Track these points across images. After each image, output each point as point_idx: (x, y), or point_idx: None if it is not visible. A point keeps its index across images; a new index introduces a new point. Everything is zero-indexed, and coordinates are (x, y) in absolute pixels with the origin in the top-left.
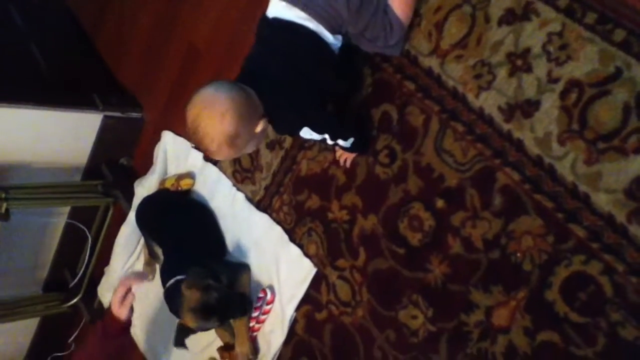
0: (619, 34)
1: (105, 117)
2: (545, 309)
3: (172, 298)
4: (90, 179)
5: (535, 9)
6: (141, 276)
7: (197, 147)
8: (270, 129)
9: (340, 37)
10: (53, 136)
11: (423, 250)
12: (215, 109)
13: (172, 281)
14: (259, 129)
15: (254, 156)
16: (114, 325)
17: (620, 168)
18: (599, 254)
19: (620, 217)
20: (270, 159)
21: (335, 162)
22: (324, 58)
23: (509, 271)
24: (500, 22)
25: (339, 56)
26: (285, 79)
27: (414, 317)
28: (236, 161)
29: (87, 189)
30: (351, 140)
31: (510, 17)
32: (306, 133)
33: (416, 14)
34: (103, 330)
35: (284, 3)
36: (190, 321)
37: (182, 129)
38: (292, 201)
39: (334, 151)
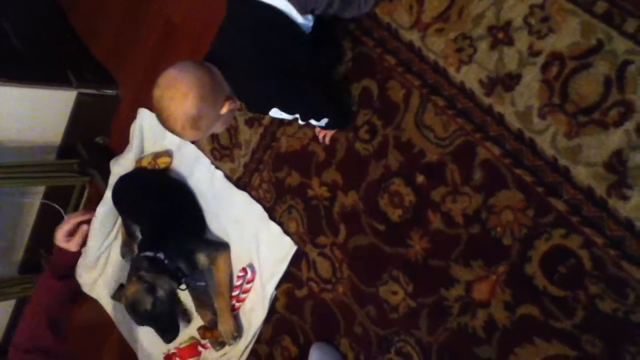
0: (601, 6)
1: (80, 94)
2: (525, 283)
3: (130, 270)
4: (65, 158)
5: None
6: (87, 211)
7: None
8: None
9: (310, 17)
10: (26, 114)
11: (403, 226)
12: (177, 90)
13: (140, 255)
14: (225, 109)
15: (233, 133)
16: (62, 260)
17: (600, 141)
18: (579, 227)
19: (600, 190)
20: (249, 136)
21: (315, 138)
22: (292, 37)
23: (489, 246)
24: None
25: (313, 34)
26: (252, 59)
27: (395, 293)
28: (214, 139)
29: (62, 167)
30: (324, 120)
31: None
32: (276, 113)
33: None
34: (51, 270)
35: None
36: (123, 301)
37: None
38: (271, 178)
39: (314, 127)
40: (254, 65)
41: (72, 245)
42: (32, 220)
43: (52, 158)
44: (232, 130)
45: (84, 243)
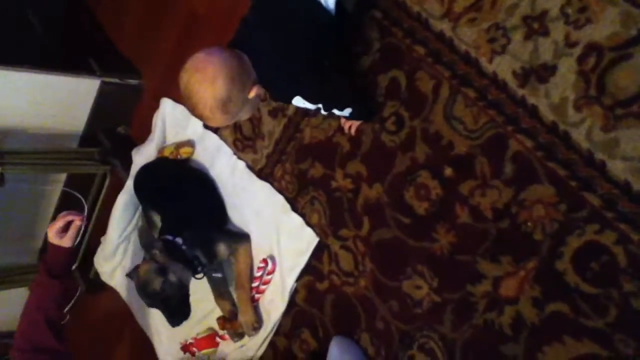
0: None
1: (103, 83)
2: (555, 280)
3: (145, 251)
4: (87, 146)
5: None
6: (78, 213)
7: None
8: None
9: None
10: (49, 101)
11: (429, 220)
12: (206, 74)
13: (161, 237)
14: (252, 93)
15: (256, 124)
16: (56, 258)
17: (638, 135)
18: (614, 223)
19: (637, 185)
20: (272, 127)
21: (340, 129)
22: (317, 21)
23: (519, 241)
24: None
25: (337, 18)
26: (276, 46)
27: (418, 288)
28: (237, 129)
29: (83, 156)
30: (348, 110)
31: None
32: (299, 102)
33: None
34: (45, 269)
35: None
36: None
37: (181, 96)
38: (294, 170)
39: (339, 119)
40: (278, 51)
41: (65, 241)
42: (52, 208)
43: (74, 146)
44: (255, 121)
45: (77, 239)
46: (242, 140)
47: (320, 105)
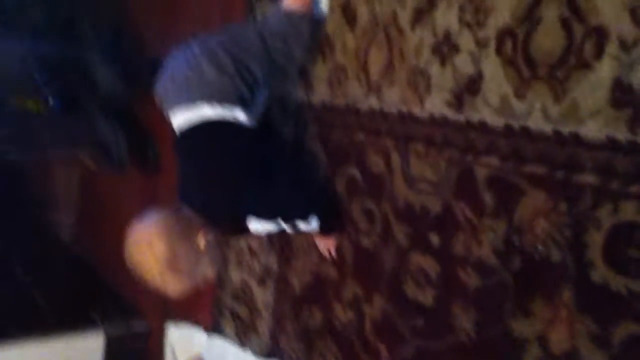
0: None
1: (107, 333)
2: (601, 296)
3: None
4: None
5: None
6: None
7: (151, 288)
8: None
9: (234, 106)
10: None
11: (441, 307)
12: (142, 240)
13: None
14: (201, 242)
15: (250, 304)
16: None
17: (591, 83)
18: (624, 190)
19: (620, 133)
20: (265, 296)
21: (322, 259)
22: (231, 137)
23: (540, 273)
24: (412, 26)
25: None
26: (204, 174)
27: None
28: (235, 316)
29: None
30: (314, 220)
31: (419, 15)
32: (257, 225)
33: (339, 67)
34: None
35: (180, 110)
36: None
37: (182, 314)
38: (296, 330)
39: (316, 247)
40: (207, 178)
41: None
42: None
43: None
44: (248, 302)
45: None
46: (241, 326)
47: (280, 222)
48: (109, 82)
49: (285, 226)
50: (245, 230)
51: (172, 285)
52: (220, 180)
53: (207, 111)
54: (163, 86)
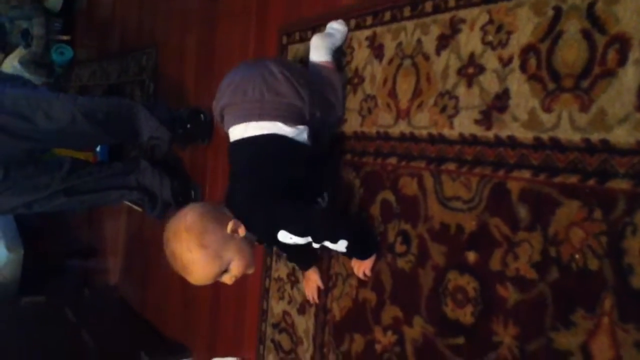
0: None
1: None
2: None
3: None
4: None
5: (460, 18)
6: None
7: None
8: None
9: (302, 127)
10: None
11: (481, 324)
12: (179, 214)
13: None
14: (230, 227)
15: (292, 333)
16: None
17: (617, 90)
18: None
19: None
20: (306, 325)
21: (361, 283)
22: (288, 154)
23: (579, 284)
24: (438, 51)
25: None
26: (250, 184)
27: None
28: (278, 348)
29: None
30: (343, 243)
31: (444, 41)
32: (286, 237)
33: (369, 97)
34: None
35: (239, 125)
36: None
37: (227, 351)
38: (337, 355)
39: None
40: (251, 186)
41: None
42: None
43: None
44: (290, 331)
45: None
46: (283, 355)
47: (309, 239)
48: (153, 129)
49: (314, 244)
50: (274, 239)
51: (197, 265)
52: (268, 190)
53: (281, 128)
54: (228, 98)
